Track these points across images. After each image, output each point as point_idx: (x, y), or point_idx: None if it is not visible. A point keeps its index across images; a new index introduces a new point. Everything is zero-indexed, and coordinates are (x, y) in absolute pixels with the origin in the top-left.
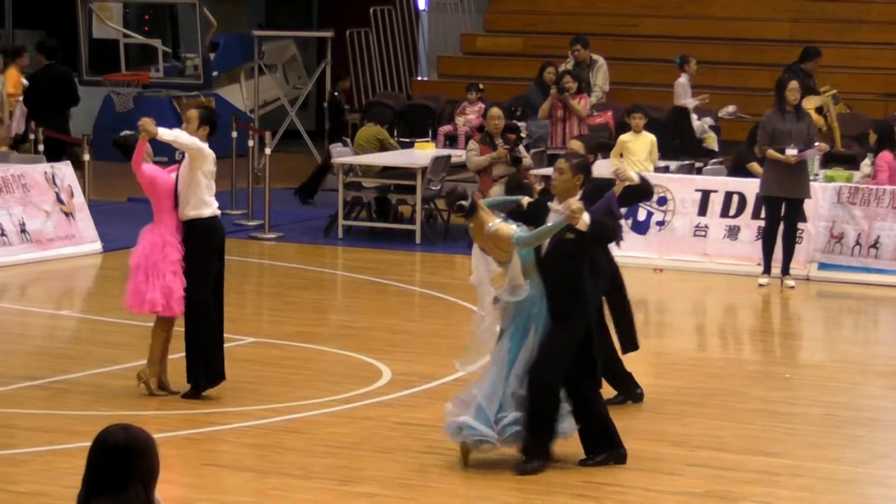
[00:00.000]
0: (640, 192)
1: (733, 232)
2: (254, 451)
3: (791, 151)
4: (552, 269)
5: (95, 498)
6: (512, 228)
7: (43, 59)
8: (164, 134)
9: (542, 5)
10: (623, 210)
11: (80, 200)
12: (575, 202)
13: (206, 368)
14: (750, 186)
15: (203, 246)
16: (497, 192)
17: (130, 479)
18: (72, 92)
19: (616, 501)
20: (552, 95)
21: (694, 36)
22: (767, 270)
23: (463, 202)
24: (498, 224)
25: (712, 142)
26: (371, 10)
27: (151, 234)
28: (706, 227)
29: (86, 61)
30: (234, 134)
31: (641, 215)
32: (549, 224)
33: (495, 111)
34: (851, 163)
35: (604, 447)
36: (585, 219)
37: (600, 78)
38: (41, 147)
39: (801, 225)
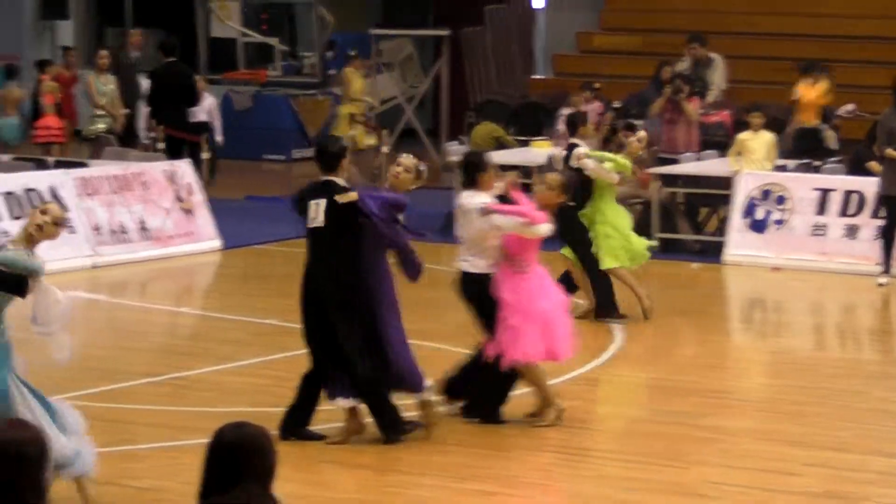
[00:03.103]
0: None
1: (852, 231)
2: (366, 448)
3: None
4: None
5: (208, 497)
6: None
7: (163, 56)
8: None
9: (660, 3)
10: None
11: (199, 198)
12: None
13: None
14: (869, 185)
15: None
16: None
17: (242, 478)
18: (191, 90)
19: (735, 501)
20: (665, 95)
21: (811, 34)
22: (887, 270)
23: None
24: None
25: (831, 140)
26: (485, 8)
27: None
28: (825, 226)
29: (205, 60)
30: (352, 132)
31: (760, 214)
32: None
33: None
34: None
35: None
36: None
37: (718, 76)
38: (161, 145)
39: None
